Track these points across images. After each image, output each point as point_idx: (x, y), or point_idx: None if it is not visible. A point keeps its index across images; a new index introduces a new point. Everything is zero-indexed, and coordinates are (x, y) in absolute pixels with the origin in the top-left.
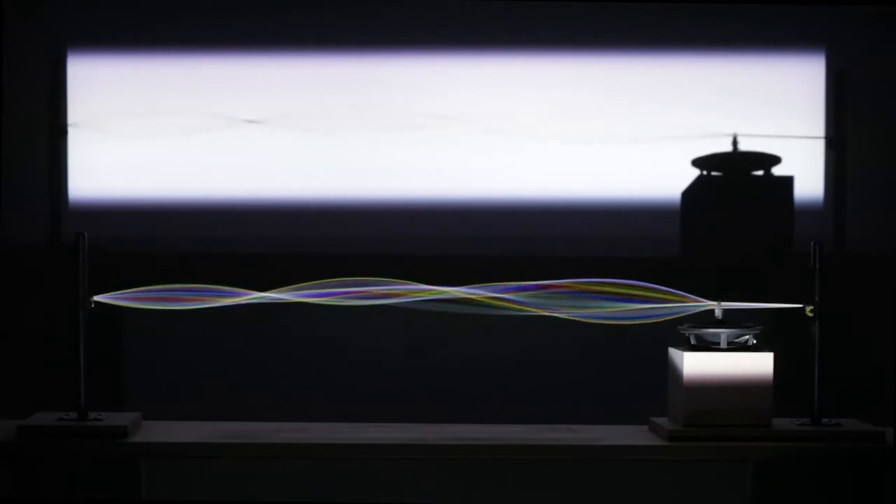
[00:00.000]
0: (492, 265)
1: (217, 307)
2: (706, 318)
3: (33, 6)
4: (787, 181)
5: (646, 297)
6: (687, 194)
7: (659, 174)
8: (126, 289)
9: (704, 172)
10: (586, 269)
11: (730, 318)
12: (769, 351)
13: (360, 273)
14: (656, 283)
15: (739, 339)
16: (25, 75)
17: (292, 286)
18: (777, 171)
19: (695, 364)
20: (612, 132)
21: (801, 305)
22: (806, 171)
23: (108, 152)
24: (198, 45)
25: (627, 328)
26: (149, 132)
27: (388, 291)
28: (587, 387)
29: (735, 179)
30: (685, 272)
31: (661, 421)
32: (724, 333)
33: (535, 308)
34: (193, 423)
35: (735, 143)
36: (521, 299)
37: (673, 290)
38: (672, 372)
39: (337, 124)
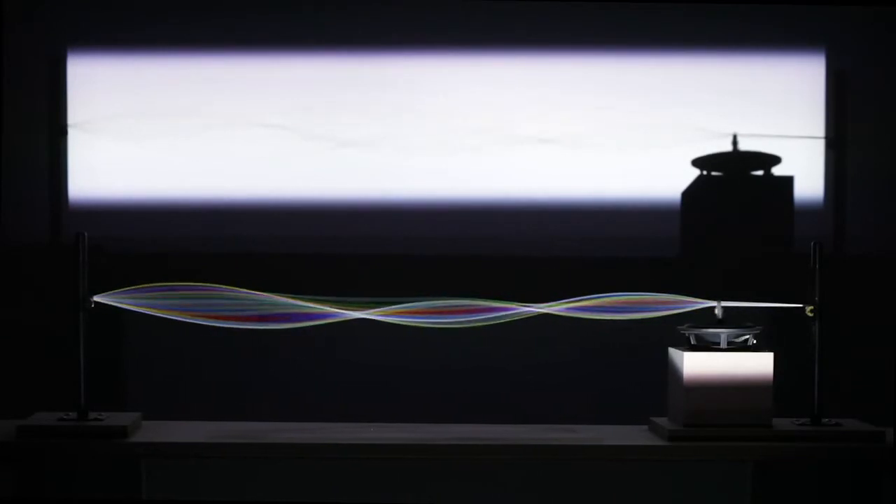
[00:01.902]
0: (491, 265)
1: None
2: (706, 318)
3: (33, 6)
4: (787, 181)
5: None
6: (687, 194)
7: (659, 174)
8: (126, 288)
9: (704, 172)
10: (586, 269)
11: (730, 318)
12: (769, 351)
13: (357, 273)
14: (656, 284)
15: (739, 339)
16: (25, 75)
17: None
18: (777, 171)
19: (695, 364)
20: (612, 132)
21: (801, 305)
22: (806, 171)
23: (108, 152)
24: (198, 45)
25: (627, 328)
26: (149, 132)
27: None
28: (587, 387)
29: (735, 179)
30: (685, 272)
31: (661, 421)
32: (724, 333)
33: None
34: (193, 423)
35: (735, 143)
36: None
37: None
38: (672, 372)
39: (337, 124)
